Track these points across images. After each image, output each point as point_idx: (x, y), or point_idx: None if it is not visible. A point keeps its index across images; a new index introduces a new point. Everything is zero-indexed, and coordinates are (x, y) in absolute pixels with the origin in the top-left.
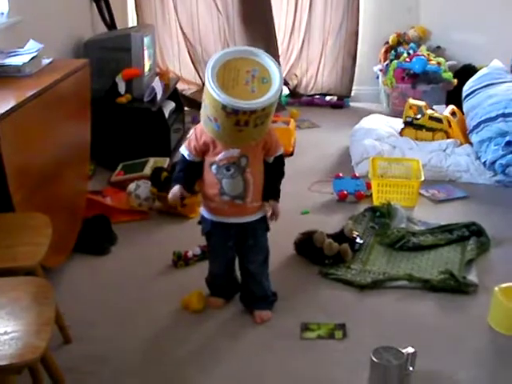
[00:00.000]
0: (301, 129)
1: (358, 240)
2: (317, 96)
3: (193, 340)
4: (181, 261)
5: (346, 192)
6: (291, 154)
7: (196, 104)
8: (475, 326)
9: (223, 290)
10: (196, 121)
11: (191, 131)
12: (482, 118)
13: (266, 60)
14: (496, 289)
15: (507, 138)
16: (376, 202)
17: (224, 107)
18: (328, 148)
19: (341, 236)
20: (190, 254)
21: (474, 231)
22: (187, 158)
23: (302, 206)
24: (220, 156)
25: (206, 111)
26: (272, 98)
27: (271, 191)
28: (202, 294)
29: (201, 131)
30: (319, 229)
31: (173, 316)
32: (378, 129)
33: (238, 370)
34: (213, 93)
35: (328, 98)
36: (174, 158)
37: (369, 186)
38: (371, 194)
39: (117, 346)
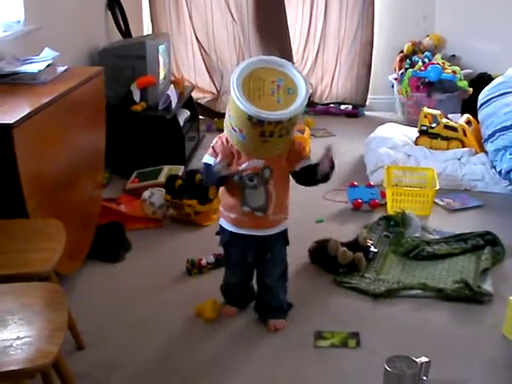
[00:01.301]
0: (316, 137)
1: (372, 249)
2: (332, 105)
3: (206, 349)
4: (195, 269)
5: (360, 201)
6: None
7: (211, 112)
8: (490, 336)
9: (238, 299)
10: (211, 129)
11: (215, 140)
12: (498, 127)
13: (291, 70)
14: (511, 298)
15: None
16: (390, 211)
17: (250, 118)
18: (343, 157)
19: (355, 245)
20: (204, 262)
21: (488, 240)
22: (213, 164)
23: (316, 215)
24: (243, 166)
25: (230, 122)
26: (298, 108)
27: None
28: (216, 302)
29: (226, 140)
30: (333, 237)
31: (186, 324)
32: (393, 137)
33: (252, 380)
34: (239, 103)
35: (343, 106)
36: (189, 166)
37: (383, 195)
38: (386, 203)
39: (130, 354)
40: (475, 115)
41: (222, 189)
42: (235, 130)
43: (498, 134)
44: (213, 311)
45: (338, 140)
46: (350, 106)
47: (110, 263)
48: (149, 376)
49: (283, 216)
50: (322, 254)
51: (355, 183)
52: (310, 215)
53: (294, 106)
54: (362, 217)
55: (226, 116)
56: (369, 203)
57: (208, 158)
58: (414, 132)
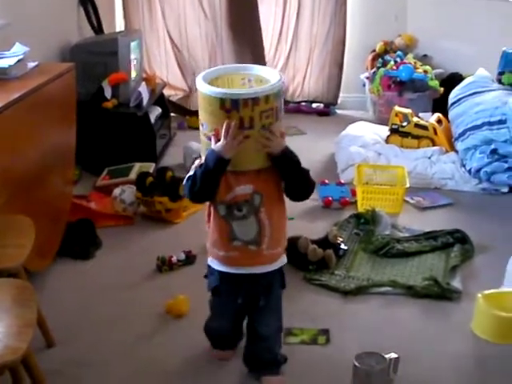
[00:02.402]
0: (287, 135)
1: (342, 246)
2: (303, 103)
3: (177, 345)
4: (165, 266)
5: (330, 198)
6: None
7: (182, 110)
8: (458, 333)
9: (229, 341)
10: (182, 127)
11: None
12: (468, 126)
13: (260, 68)
14: (479, 295)
15: (492, 146)
16: (361, 209)
17: (222, 103)
18: (314, 155)
19: (325, 242)
20: (174, 259)
21: (458, 238)
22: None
23: (288, 213)
24: (229, 195)
25: (204, 132)
26: (275, 85)
27: None
28: (186, 298)
29: None
30: (304, 235)
31: (157, 321)
32: (364, 136)
33: (224, 374)
34: (207, 89)
35: (314, 105)
36: (160, 163)
37: (354, 193)
38: (356, 201)
39: (100, 351)
40: (446, 114)
41: (206, 222)
42: (210, 139)
43: (468, 133)
44: (183, 307)
45: (309, 138)
46: (322, 105)
47: (80, 260)
48: (120, 373)
49: (280, 249)
50: (292, 251)
51: (326, 181)
52: None
53: (270, 83)
54: (333, 214)
55: (200, 130)
56: (339, 201)
57: (191, 173)
58: (384, 130)
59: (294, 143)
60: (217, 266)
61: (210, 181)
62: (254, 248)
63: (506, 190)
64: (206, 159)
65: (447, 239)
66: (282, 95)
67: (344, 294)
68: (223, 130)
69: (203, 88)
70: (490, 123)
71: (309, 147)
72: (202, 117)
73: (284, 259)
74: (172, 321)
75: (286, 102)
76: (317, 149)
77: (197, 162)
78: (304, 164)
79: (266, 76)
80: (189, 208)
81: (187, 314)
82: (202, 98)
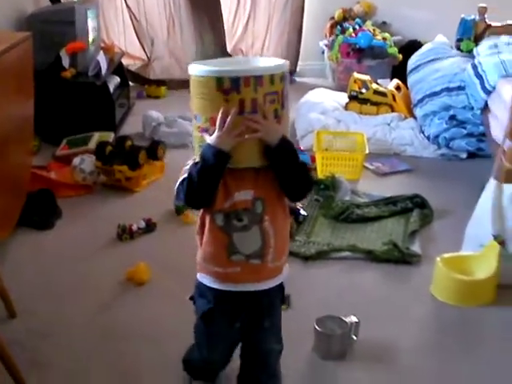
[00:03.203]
0: None
1: (302, 212)
2: None
3: (139, 312)
4: (126, 234)
5: None
6: None
7: (141, 79)
8: (418, 296)
9: (215, 373)
10: (141, 96)
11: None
12: (427, 93)
13: (262, 59)
14: (438, 259)
15: (451, 112)
16: (320, 175)
17: (221, 83)
18: None
19: None
20: (134, 227)
21: (417, 203)
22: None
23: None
24: (227, 202)
25: (198, 125)
26: (281, 65)
27: None
28: (146, 266)
29: None
30: None
31: (118, 289)
32: (323, 103)
33: (189, 340)
34: (200, 71)
35: None
36: (119, 132)
37: (313, 159)
38: (316, 167)
39: (62, 320)
40: (405, 81)
41: (198, 233)
42: (206, 131)
43: (426, 100)
44: (144, 275)
45: None
46: None
47: (40, 231)
48: (81, 342)
49: (285, 257)
50: None
51: None
52: None
53: (277, 62)
54: None
55: (193, 125)
56: None
57: (184, 175)
58: (344, 97)
59: None
60: (211, 283)
61: (211, 180)
62: (257, 262)
63: (464, 155)
64: (202, 156)
65: (406, 204)
66: (287, 80)
67: (305, 259)
68: (219, 118)
69: (195, 69)
70: (448, 89)
71: None
72: (195, 106)
73: (287, 269)
74: (133, 288)
75: None
76: None
77: (188, 164)
78: None
79: (268, 63)
80: (148, 176)
81: (148, 281)
82: (194, 82)
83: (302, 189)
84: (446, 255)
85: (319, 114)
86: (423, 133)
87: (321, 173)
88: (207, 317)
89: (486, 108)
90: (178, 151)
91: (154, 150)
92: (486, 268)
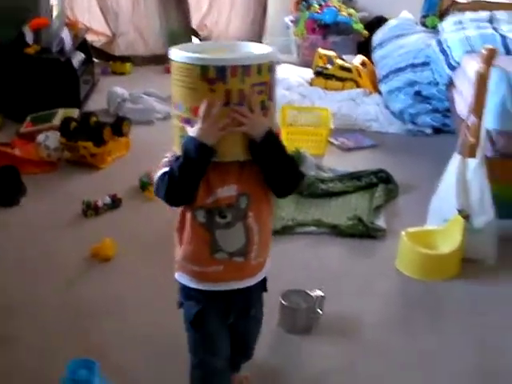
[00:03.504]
0: None
1: None
2: None
3: (104, 288)
4: (91, 210)
5: None
6: None
7: (106, 55)
8: (383, 270)
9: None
10: (106, 72)
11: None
12: (392, 68)
13: (249, 45)
14: (403, 233)
15: (416, 88)
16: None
17: (205, 71)
18: None
19: None
20: (99, 203)
21: (382, 178)
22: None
23: None
24: (209, 198)
25: (179, 114)
26: (270, 54)
27: None
28: (111, 242)
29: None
30: None
31: (84, 265)
32: (289, 78)
33: (152, 313)
34: (184, 58)
35: None
36: (84, 108)
37: (280, 134)
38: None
39: (28, 297)
40: (370, 57)
41: (178, 230)
42: (188, 122)
43: (391, 75)
44: (109, 251)
45: None
46: None
47: (5, 208)
48: (48, 318)
49: (267, 255)
50: None
51: None
52: None
53: (265, 50)
54: None
55: (173, 114)
56: None
57: (163, 170)
58: (309, 73)
59: None
60: (193, 283)
61: (193, 176)
62: (240, 260)
63: (429, 131)
64: (184, 149)
65: (371, 179)
66: (275, 71)
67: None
68: (203, 109)
69: (178, 55)
70: (413, 65)
71: None
72: (177, 94)
73: (269, 262)
74: (98, 265)
75: None
76: None
77: (167, 157)
78: None
79: (253, 51)
80: (113, 153)
81: (114, 257)
82: (176, 68)
83: (288, 184)
84: (411, 229)
85: (284, 89)
86: (388, 108)
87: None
88: (198, 320)
89: (450, 84)
90: (143, 127)
91: (119, 126)
92: (450, 242)
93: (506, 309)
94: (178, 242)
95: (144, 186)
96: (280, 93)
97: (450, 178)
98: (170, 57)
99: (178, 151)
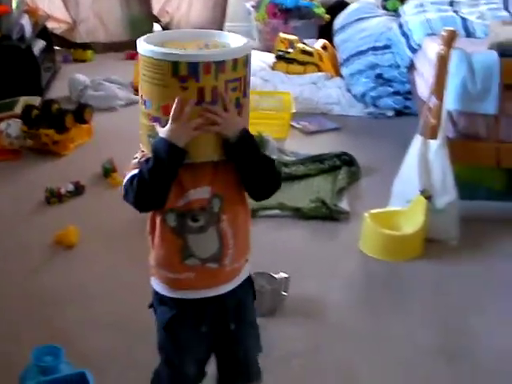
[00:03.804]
0: None
1: None
2: None
3: (68, 275)
4: (54, 197)
5: None
6: None
7: (67, 43)
8: (347, 252)
9: None
10: (68, 60)
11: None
12: (353, 52)
13: (222, 34)
14: (366, 215)
15: (377, 71)
16: None
17: (176, 68)
18: None
19: None
20: (63, 190)
21: (344, 161)
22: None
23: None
24: (181, 201)
25: (147, 111)
26: (245, 47)
27: None
28: (75, 229)
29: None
30: None
31: (47, 252)
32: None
33: (117, 302)
34: (153, 53)
35: None
36: (45, 96)
37: None
38: None
39: None
40: (332, 41)
41: (150, 233)
42: (158, 120)
43: (353, 59)
44: (73, 238)
45: None
46: None
47: None
48: (11, 305)
49: (245, 259)
50: None
51: None
52: None
53: (238, 44)
54: None
55: (141, 110)
56: None
57: (132, 173)
58: (270, 57)
59: None
60: (166, 291)
61: (164, 179)
62: (214, 266)
63: (391, 113)
64: (154, 152)
65: (334, 162)
66: (250, 64)
67: None
68: (174, 108)
69: (147, 49)
70: (374, 48)
71: None
72: (145, 90)
73: (248, 267)
74: (62, 252)
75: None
76: None
77: (137, 158)
78: None
79: (229, 42)
80: (76, 140)
81: (77, 244)
82: (145, 63)
83: (265, 187)
84: (374, 211)
85: None
86: (350, 91)
87: None
88: (171, 326)
89: (412, 66)
90: (106, 114)
91: (81, 113)
92: (413, 223)
93: (469, 288)
94: (150, 246)
95: (107, 172)
96: None
97: (411, 159)
98: (137, 50)
99: (147, 151)
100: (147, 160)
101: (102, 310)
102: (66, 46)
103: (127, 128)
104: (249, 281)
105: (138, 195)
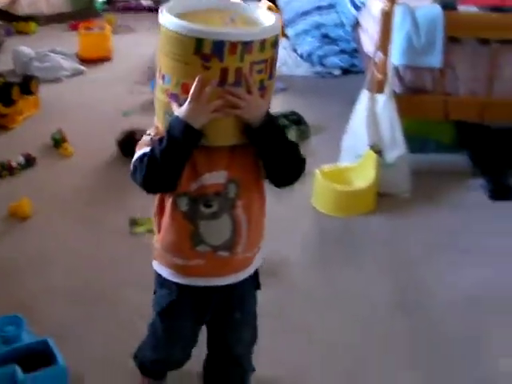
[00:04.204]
0: (117, 34)
1: None
2: (132, 0)
3: (24, 246)
4: (5, 170)
5: None
6: (108, 59)
7: (9, 16)
8: (300, 210)
9: (170, 370)
10: (10, 33)
11: (145, 137)
12: (298, 12)
13: (248, 7)
14: (317, 171)
15: (323, 31)
16: None
17: (200, 45)
18: (146, 50)
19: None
20: (13, 163)
21: (293, 120)
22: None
23: (123, 108)
24: (194, 184)
25: (165, 87)
26: (275, 27)
27: None
28: (29, 200)
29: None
30: (141, 127)
31: (2, 225)
32: None
33: (71, 269)
34: (177, 26)
35: (144, 2)
36: None
37: None
38: None
39: None
40: (275, 2)
41: (156, 215)
42: (176, 97)
43: (298, 19)
44: (27, 209)
45: (139, 36)
46: (151, 1)
47: None
48: None
49: (258, 248)
50: (130, 144)
51: None
52: (117, 109)
53: (268, 24)
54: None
55: (158, 85)
56: None
57: (144, 150)
58: None
59: (125, 41)
60: (172, 276)
61: (177, 160)
62: (225, 254)
63: (338, 72)
64: (169, 130)
65: (283, 122)
66: (278, 45)
67: None
68: (194, 87)
69: (170, 22)
70: (319, 8)
71: (139, 44)
72: (164, 64)
73: (259, 259)
74: (17, 224)
75: (115, 1)
76: (148, 45)
77: (150, 135)
78: (136, 60)
79: (256, 16)
80: (23, 112)
81: (32, 215)
82: (166, 37)
83: (290, 174)
84: (325, 168)
85: None
86: (296, 52)
87: None
88: (168, 311)
89: (356, 24)
90: (52, 85)
91: (27, 84)
92: (364, 178)
93: (420, 241)
94: (156, 228)
95: (57, 143)
96: None
97: (360, 114)
98: (159, 20)
99: (161, 127)
100: (160, 139)
101: (59, 278)
102: (8, 20)
103: (74, 98)
104: (254, 273)
105: (148, 175)
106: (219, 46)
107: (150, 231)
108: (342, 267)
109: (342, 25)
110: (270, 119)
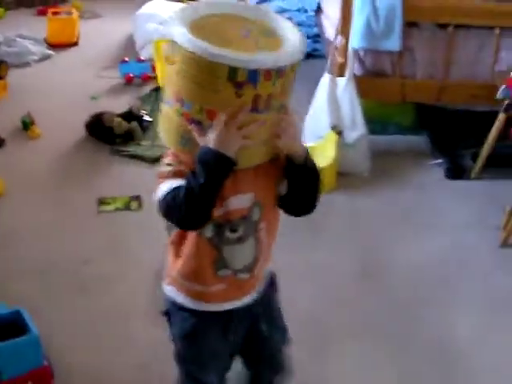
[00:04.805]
0: (84, 19)
1: (146, 118)
2: None
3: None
4: None
5: (132, 75)
6: (76, 44)
7: None
8: None
9: None
10: None
11: (163, 166)
12: None
13: (266, 14)
14: None
15: (286, 16)
16: (161, 83)
17: (233, 73)
18: (113, 35)
19: (129, 115)
20: None
21: None
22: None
23: (91, 92)
24: (220, 210)
25: (182, 111)
26: (303, 45)
27: None
28: (1, 180)
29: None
30: (108, 110)
31: None
32: (161, 14)
33: (43, 248)
34: (205, 51)
35: None
36: None
37: (154, 69)
38: (156, 76)
39: None
40: None
41: (174, 243)
42: (199, 124)
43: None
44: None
45: (106, 20)
46: None
47: None
48: None
49: (270, 261)
50: (98, 126)
51: (126, 59)
52: (84, 93)
53: (293, 43)
54: (135, 90)
55: (170, 111)
56: (140, 77)
57: (170, 183)
58: (179, 7)
59: (92, 26)
60: (191, 304)
61: (215, 192)
62: (245, 276)
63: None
64: (203, 163)
65: None
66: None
67: (151, 161)
68: (227, 114)
69: (197, 46)
70: None
71: (106, 29)
72: (184, 88)
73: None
74: None
75: None
76: (115, 30)
77: (169, 164)
78: (104, 45)
79: (275, 26)
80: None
81: (3, 195)
82: (189, 60)
83: (309, 205)
84: None
85: (157, 24)
86: None
87: (161, 80)
88: (192, 334)
89: (318, 10)
90: (20, 70)
91: None
92: (325, 157)
93: (380, 216)
94: (173, 255)
95: (26, 125)
96: (153, 27)
97: (321, 96)
98: (176, 40)
99: (174, 149)
100: (194, 174)
101: (34, 254)
102: None
103: (42, 82)
104: (270, 279)
105: (188, 212)
106: (254, 74)
107: (119, 209)
108: (305, 244)
109: (304, 10)
110: (309, 156)
